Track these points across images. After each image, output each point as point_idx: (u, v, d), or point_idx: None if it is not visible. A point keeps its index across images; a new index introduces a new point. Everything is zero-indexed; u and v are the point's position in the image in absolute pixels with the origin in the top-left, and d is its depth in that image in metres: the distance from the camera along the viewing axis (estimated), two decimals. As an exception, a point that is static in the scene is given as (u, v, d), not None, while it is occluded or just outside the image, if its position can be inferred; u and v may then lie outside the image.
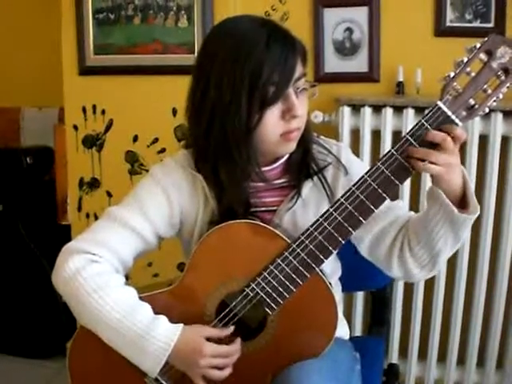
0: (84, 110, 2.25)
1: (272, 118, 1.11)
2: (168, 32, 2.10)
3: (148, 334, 1.08)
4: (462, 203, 1.10)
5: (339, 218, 1.08)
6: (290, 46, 1.11)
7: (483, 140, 1.87)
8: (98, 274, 1.13)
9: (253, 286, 1.11)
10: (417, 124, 1.05)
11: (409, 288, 2.00)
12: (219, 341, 1.12)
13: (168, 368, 1.12)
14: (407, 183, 1.90)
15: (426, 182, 1.87)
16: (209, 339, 1.11)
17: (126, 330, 1.08)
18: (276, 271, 1.10)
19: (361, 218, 1.08)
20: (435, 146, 1.04)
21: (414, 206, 1.89)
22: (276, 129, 1.12)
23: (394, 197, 1.14)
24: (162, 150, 2.18)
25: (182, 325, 1.10)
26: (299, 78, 1.12)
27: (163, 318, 1.11)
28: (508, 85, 1.04)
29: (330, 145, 1.27)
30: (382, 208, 1.13)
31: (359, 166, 1.25)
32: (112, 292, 1.11)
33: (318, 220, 1.10)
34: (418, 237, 1.16)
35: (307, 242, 1.09)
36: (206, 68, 1.12)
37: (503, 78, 1.04)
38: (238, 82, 1.07)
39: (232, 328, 1.13)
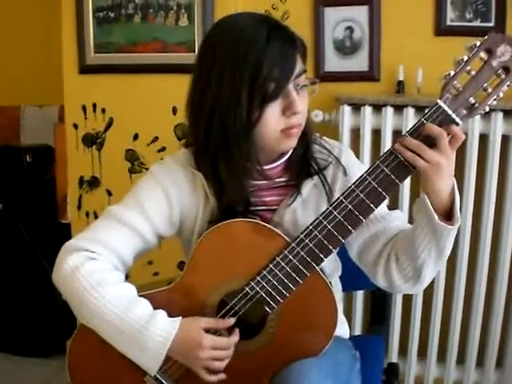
0: (84, 108, 2.25)
1: (272, 114, 1.11)
2: (168, 31, 2.10)
3: (147, 329, 1.08)
4: (448, 216, 1.08)
5: (339, 217, 1.08)
6: (289, 42, 1.11)
7: (483, 139, 1.87)
8: (97, 271, 1.13)
9: (252, 284, 1.11)
10: (417, 122, 1.05)
11: (409, 287, 1.99)
12: (218, 333, 1.13)
13: (168, 366, 1.13)
14: (407, 189, 1.91)
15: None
16: (208, 330, 1.11)
17: (124, 325, 1.08)
18: (276, 270, 1.10)
19: (360, 217, 1.08)
20: (434, 146, 1.04)
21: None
22: (277, 125, 1.12)
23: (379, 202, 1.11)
24: (162, 149, 2.18)
25: (180, 318, 1.11)
26: (299, 74, 1.12)
27: (162, 313, 1.11)
28: (508, 83, 1.04)
29: (332, 146, 1.27)
30: (377, 215, 1.13)
31: (359, 168, 1.23)
32: (111, 288, 1.11)
33: (317, 219, 1.09)
34: (404, 247, 1.15)
35: (307, 240, 1.09)
36: (206, 65, 1.12)
37: (503, 76, 1.03)
38: (238, 78, 1.07)
39: (232, 320, 1.13)
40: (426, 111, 1.04)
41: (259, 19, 1.13)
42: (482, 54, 1.03)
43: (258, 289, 1.11)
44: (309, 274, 1.10)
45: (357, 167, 1.25)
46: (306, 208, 1.22)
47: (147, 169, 1.29)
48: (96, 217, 2.24)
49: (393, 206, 1.23)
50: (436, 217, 1.06)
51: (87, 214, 2.32)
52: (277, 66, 1.08)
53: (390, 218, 1.21)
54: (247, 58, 1.07)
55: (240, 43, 1.08)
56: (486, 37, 1.02)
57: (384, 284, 1.21)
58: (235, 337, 1.13)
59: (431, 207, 1.06)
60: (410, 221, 1.22)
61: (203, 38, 1.20)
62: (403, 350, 2.08)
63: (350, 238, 1.14)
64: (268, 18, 1.16)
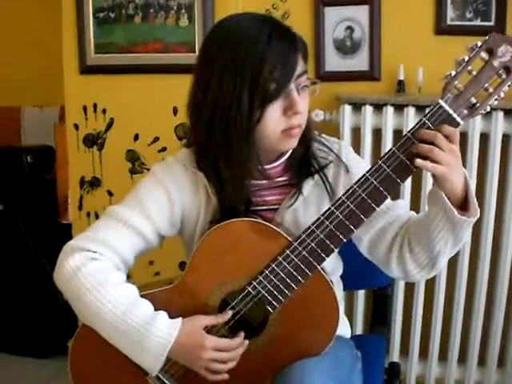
0: (85, 108, 2.25)
1: (273, 115, 1.11)
2: (169, 31, 2.10)
3: (148, 330, 1.08)
4: (462, 205, 1.09)
5: (341, 217, 1.08)
6: (291, 42, 1.11)
7: (484, 138, 1.87)
8: (98, 271, 1.13)
9: (254, 284, 1.12)
10: (418, 122, 1.05)
11: (410, 286, 2.00)
12: (223, 336, 1.13)
13: (170, 366, 1.13)
14: (408, 184, 1.91)
15: (427, 183, 1.87)
16: (209, 330, 1.11)
17: (125, 326, 1.08)
18: (278, 269, 1.10)
19: (362, 217, 1.08)
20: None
21: (415, 206, 1.89)
22: (277, 125, 1.12)
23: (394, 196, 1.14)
24: (163, 149, 2.18)
25: (180, 319, 1.11)
26: (300, 74, 1.12)
27: (163, 314, 1.11)
28: (509, 83, 1.04)
29: (331, 143, 1.27)
30: (382, 207, 1.13)
31: (360, 165, 1.24)
32: (112, 289, 1.11)
33: (319, 218, 1.10)
34: (418, 238, 1.15)
35: (309, 240, 1.09)
36: (207, 65, 1.12)
37: (504, 76, 1.03)
38: (239, 78, 1.07)
39: (230, 313, 1.13)
40: (428, 111, 1.04)
41: (260, 19, 1.14)
42: (483, 54, 1.03)
43: (259, 288, 1.12)
44: (311, 274, 1.10)
45: (358, 163, 1.26)
46: (307, 207, 1.22)
47: (148, 169, 1.29)
48: (97, 217, 2.24)
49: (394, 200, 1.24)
50: (456, 212, 1.06)
51: (88, 215, 2.32)
52: (278, 67, 1.08)
53: (395, 208, 1.22)
54: (248, 57, 1.07)
55: (241, 43, 1.09)
56: (486, 37, 1.03)
57: (399, 274, 1.22)
58: (239, 339, 1.13)
59: (448, 202, 1.06)
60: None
61: (204, 38, 1.20)
62: (405, 350, 2.08)
63: (359, 233, 1.15)
64: (269, 19, 1.16)
